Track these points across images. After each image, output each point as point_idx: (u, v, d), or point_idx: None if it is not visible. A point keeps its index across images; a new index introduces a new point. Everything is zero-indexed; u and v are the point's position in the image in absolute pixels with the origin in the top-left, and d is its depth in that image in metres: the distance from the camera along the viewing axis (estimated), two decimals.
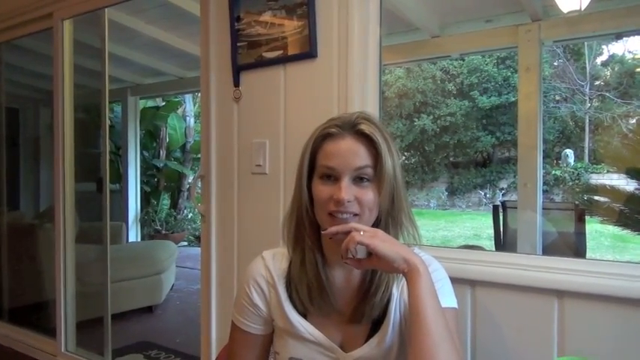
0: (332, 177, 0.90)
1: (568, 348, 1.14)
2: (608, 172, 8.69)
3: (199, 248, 1.89)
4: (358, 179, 0.90)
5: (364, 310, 0.93)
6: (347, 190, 0.88)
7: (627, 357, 1.05)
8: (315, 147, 0.94)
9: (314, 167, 0.94)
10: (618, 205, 3.27)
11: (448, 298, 0.93)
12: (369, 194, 0.89)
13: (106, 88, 2.54)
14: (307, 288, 0.94)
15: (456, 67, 11.46)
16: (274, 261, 1.01)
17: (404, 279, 0.88)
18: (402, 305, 0.94)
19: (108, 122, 2.60)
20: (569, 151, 10.29)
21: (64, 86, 2.55)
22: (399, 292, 0.95)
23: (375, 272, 0.93)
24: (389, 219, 0.94)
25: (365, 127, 0.90)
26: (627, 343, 1.07)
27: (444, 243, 7.26)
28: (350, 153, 0.89)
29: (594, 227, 5.52)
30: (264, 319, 1.01)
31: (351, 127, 0.91)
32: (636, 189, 3.28)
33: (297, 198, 0.97)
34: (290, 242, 0.99)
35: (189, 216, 7.47)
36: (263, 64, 1.63)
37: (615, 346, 1.08)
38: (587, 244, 3.60)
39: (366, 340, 0.93)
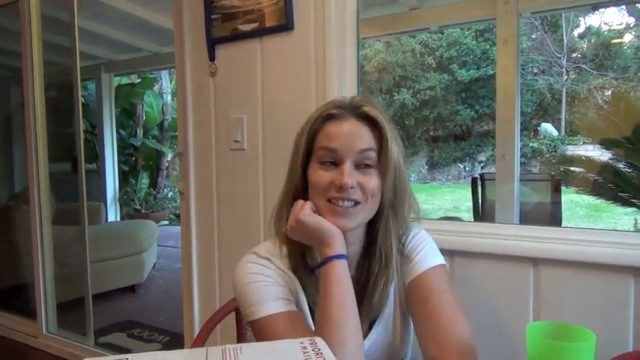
0: (332, 161, 0.84)
1: (543, 313, 1.17)
2: (584, 143, 8.85)
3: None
4: (361, 165, 0.84)
5: (362, 310, 0.84)
6: (350, 175, 0.82)
7: (599, 320, 1.09)
8: (315, 129, 0.86)
9: (311, 152, 0.87)
10: (593, 175, 3.35)
11: (435, 257, 0.91)
12: (373, 180, 0.84)
13: (77, 64, 2.47)
14: (317, 286, 0.85)
15: (435, 41, 11.43)
16: (274, 258, 0.90)
17: (398, 262, 0.90)
18: (399, 288, 0.92)
19: (81, 100, 2.54)
20: (547, 125, 10.43)
21: (34, 63, 2.48)
22: (396, 276, 0.90)
23: (372, 268, 0.88)
24: (390, 212, 0.88)
25: (369, 110, 0.86)
26: (599, 306, 1.10)
27: (424, 216, 7.32)
28: (353, 135, 0.84)
29: (570, 197, 5.64)
30: (291, 296, 0.88)
31: (354, 109, 0.86)
32: (610, 159, 3.35)
33: (290, 188, 0.90)
34: (284, 238, 0.90)
35: (170, 195, 7.40)
36: (238, 37, 1.60)
37: (588, 310, 1.12)
38: (563, 213, 3.69)
39: (369, 329, 0.90)
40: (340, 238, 0.84)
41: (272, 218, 0.93)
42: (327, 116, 0.87)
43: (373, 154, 0.84)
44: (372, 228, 0.90)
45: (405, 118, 11.79)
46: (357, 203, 0.84)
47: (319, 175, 0.84)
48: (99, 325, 2.73)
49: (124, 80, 6.88)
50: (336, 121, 0.86)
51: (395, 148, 0.85)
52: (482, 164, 10.95)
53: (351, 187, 0.82)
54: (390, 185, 0.86)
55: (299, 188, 0.88)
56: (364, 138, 0.84)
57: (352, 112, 0.86)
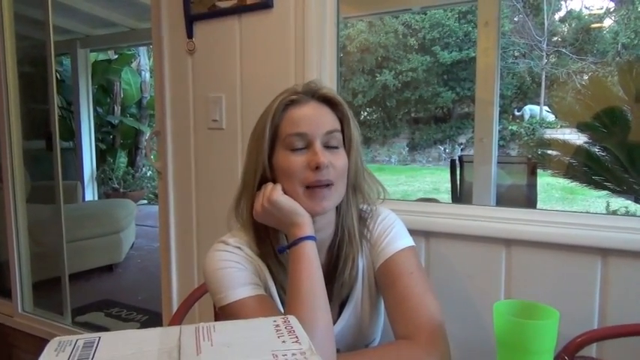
0: (301, 147, 0.84)
1: (514, 292, 1.20)
2: (561, 127, 8.98)
3: None
4: (328, 146, 0.85)
5: (333, 291, 0.88)
6: (323, 154, 0.83)
7: (567, 299, 1.13)
8: (278, 118, 0.86)
9: (275, 141, 0.87)
10: (567, 158, 3.40)
11: (403, 239, 0.93)
12: (342, 159, 0.86)
13: (50, 39, 2.40)
14: (285, 270, 0.88)
15: (417, 22, 11.39)
16: (242, 246, 0.90)
17: (367, 245, 0.92)
18: (368, 271, 0.94)
19: (56, 76, 2.48)
20: (532, 107, 10.52)
21: (5, 36, 2.40)
22: (364, 259, 0.94)
23: (341, 248, 0.91)
24: (350, 191, 0.90)
25: (327, 92, 0.88)
26: (568, 286, 1.14)
27: (404, 197, 7.43)
28: (318, 117, 0.85)
29: (546, 180, 5.74)
30: (260, 282, 0.89)
31: (312, 93, 0.88)
32: (585, 142, 3.41)
33: (252, 178, 0.88)
34: (249, 225, 0.91)
35: (149, 174, 7.31)
36: (217, 14, 1.57)
37: (557, 289, 1.15)
38: (539, 196, 3.76)
39: (339, 314, 0.92)
40: (310, 220, 0.85)
41: (231, 210, 0.93)
42: (288, 103, 0.87)
43: (339, 135, 0.87)
44: (338, 211, 0.92)
45: (386, 100, 11.80)
46: (329, 185, 0.84)
47: (292, 160, 0.84)
48: (76, 304, 2.71)
49: (101, 56, 6.70)
50: (298, 106, 0.87)
51: (355, 127, 0.89)
52: (461, 146, 11.06)
53: (326, 167, 0.83)
54: (354, 164, 0.89)
55: (266, 178, 0.88)
56: (328, 119, 0.87)
57: (311, 96, 0.88)
